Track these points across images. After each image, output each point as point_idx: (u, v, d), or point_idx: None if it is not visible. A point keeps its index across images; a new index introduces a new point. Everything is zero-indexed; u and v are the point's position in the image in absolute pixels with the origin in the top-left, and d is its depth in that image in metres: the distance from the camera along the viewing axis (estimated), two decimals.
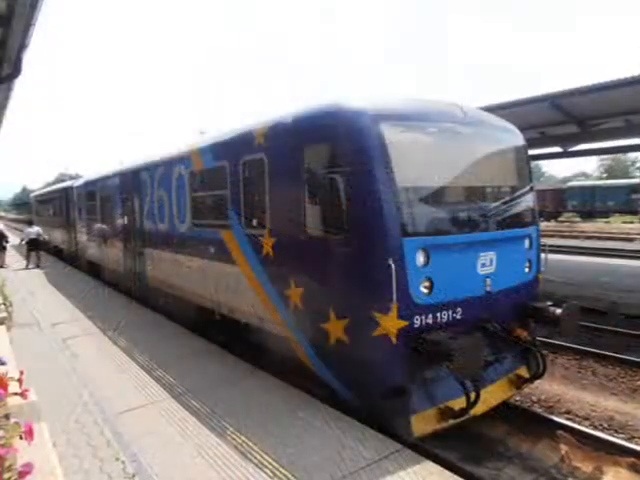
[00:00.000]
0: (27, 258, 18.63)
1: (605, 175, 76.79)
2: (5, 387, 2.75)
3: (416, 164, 5.12)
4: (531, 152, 7.79)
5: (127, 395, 5.71)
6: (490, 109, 10.12)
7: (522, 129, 6.79)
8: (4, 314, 7.63)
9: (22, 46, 6.59)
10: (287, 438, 4.57)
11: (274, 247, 6.03)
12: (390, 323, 4.64)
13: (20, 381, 2.99)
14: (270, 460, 4.19)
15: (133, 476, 3.98)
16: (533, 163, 7.23)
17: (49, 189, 27.55)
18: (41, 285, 14.25)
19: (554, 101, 11.63)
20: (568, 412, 6.58)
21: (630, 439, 5.81)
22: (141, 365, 6.80)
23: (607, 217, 43.16)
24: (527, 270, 6.07)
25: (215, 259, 7.57)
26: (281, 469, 4.05)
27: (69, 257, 20.17)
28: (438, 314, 4.90)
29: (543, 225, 33.49)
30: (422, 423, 4.84)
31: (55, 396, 5.61)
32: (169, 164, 9.24)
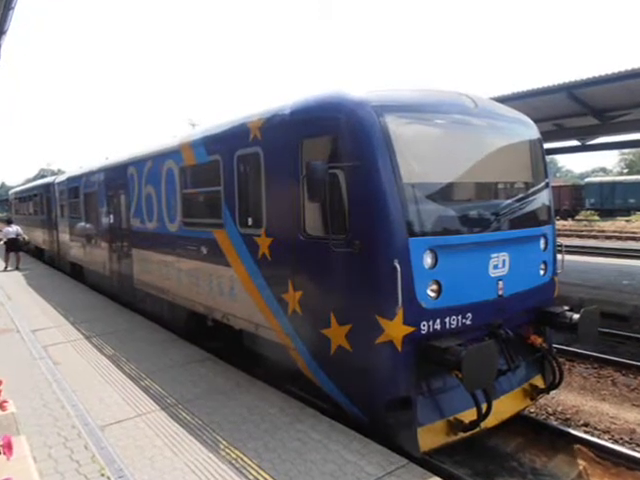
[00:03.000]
0: (6, 259, 18.64)
1: (626, 171, 76.66)
2: None
3: (423, 159, 5.11)
4: (547, 146, 7.79)
5: (113, 406, 5.71)
6: (502, 99, 10.14)
7: (537, 121, 6.79)
8: None
9: (0, 32, 6.58)
10: (285, 452, 4.58)
11: (271, 247, 6.03)
12: (395, 329, 4.64)
13: None
14: (267, 476, 4.19)
15: None
16: (549, 157, 7.23)
17: (29, 185, 27.58)
18: (21, 288, 14.25)
19: (571, 91, 11.64)
20: (586, 425, 6.59)
21: None
22: (128, 374, 6.81)
23: (628, 215, 43.08)
24: (542, 272, 6.07)
25: (207, 260, 7.57)
26: None
27: (51, 258, 20.19)
28: (447, 319, 4.90)
29: (559, 224, 33.53)
30: (429, 437, 4.84)
31: (36, 408, 5.62)
32: (158, 158, 9.24)
